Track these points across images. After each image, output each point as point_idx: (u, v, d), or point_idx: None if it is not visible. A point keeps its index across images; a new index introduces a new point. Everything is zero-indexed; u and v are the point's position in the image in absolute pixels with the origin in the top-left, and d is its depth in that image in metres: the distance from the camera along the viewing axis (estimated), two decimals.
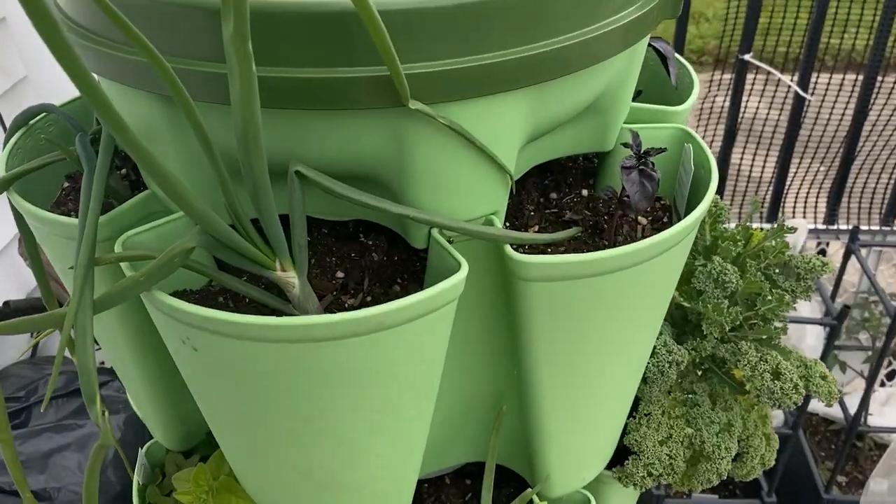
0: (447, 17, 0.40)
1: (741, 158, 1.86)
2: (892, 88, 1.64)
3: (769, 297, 0.66)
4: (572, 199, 0.62)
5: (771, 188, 1.73)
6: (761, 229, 0.70)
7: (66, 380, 1.31)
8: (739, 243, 0.64)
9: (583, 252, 0.56)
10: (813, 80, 1.60)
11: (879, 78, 1.58)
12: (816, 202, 1.84)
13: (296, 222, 0.44)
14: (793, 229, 0.65)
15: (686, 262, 0.62)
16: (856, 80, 1.63)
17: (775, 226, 0.66)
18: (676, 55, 0.68)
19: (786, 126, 1.66)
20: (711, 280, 0.62)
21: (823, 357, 1.49)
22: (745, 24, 1.53)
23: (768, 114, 1.80)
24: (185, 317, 0.43)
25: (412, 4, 0.39)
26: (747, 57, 1.55)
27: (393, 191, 0.48)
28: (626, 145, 0.52)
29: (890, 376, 1.84)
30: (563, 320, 0.50)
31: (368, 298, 0.52)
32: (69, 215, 0.61)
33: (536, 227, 0.59)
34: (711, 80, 1.76)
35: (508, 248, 0.46)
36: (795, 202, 1.82)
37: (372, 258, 0.56)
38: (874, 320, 1.69)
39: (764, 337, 0.66)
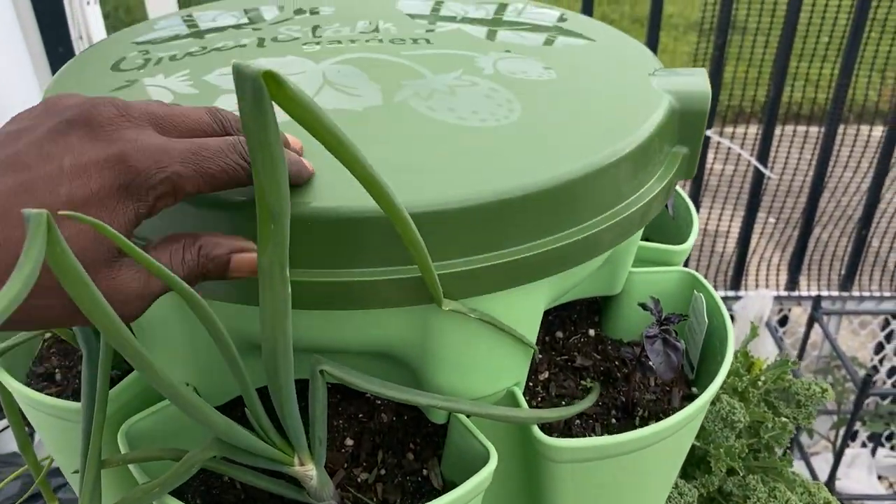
0: (473, 216, 0.39)
1: (708, 215, 1.88)
2: (849, 156, 1.69)
3: (772, 426, 0.66)
4: (580, 340, 0.61)
5: (734, 256, 1.76)
6: (748, 354, 0.70)
7: (22, 486, 1.24)
8: (745, 377, 0.64)
9: (598, 406, 0.55)
10: (777, 131, 1.63)
11: (837, 144, 1.63)
12: (780, 263, 1.87)
13: (317, 418, 0.41)
14: (796, 363, 0.65)
15: None
16: (819, 132, 1.66)
17: (778, 358, 0.66)
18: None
19: (749, 188, 1.69)
20: (720, 419, 0.61)
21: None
22: None
23: (735, 170, 1.83)
24: None
25: (437, 206, 0.38)
26: (709, 133, 1.58)
27: (412, 368, 0.46)
28: (643, 307, 0.51)
29: (853, 437, 1.87)
30: (589, 493, 0.48)
31: (382, 472, 0.50)
32: (54, 373, 0.57)
33: (546, 373, 0.58)
34: None
35: (537, 431, 0.45)
36: (759, 264, 1.85)
37: (381, 419, 0.54)
38: (838, 385, 1.72)
39: (780, 464, 0.66)
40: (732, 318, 1.69)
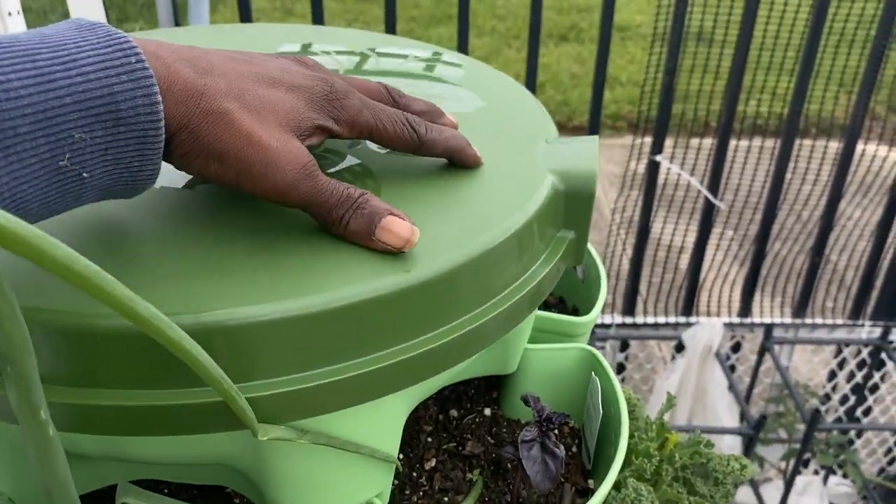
0: (297, 329, 0.33)
1: (662, 227, 1.82)
2: (806, 170, 1.65)
3: None
4: (474, 420, 0.56)
5: (685, 282, 1.73)
6: (664, 425, 0.66)
7: None
8: (655, 459, 0.59)
9: (484, 502, 0.50)
10: (732, 144, 1.59)
11: (794, 159, 1.59)
12: (735, 280, 1.83)
13: None
14: (710, 444, 0.61)
15: None
16: (774, 145, 1.61)
17: (691, 437, 0.62)
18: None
19: (701, 212, 1.65)
20: None
21: None
22: (657, 123, 1.53)
23: (689, 184, 1.77)
24: None
25: (247, 318, 0.32)
26: (658, 158, 1.54)
27: (252, 482, 0.41)
28: (525, 401, 0.46)
29: (805, 464, 1.84)
30: None
31: None
32: None
33: (433, 461, 0.53)
34: (632, 146, 1.72)
35: None
36: (714, 281, 1.81)
37: None
38: (790, 415, 1.69)
39: None
40: (682, 346, 1.65)
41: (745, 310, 1.75)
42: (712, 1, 1.47)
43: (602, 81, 1.51)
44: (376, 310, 0.35)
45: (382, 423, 0.39)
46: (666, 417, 0.66)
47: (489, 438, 0.55)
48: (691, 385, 1.59)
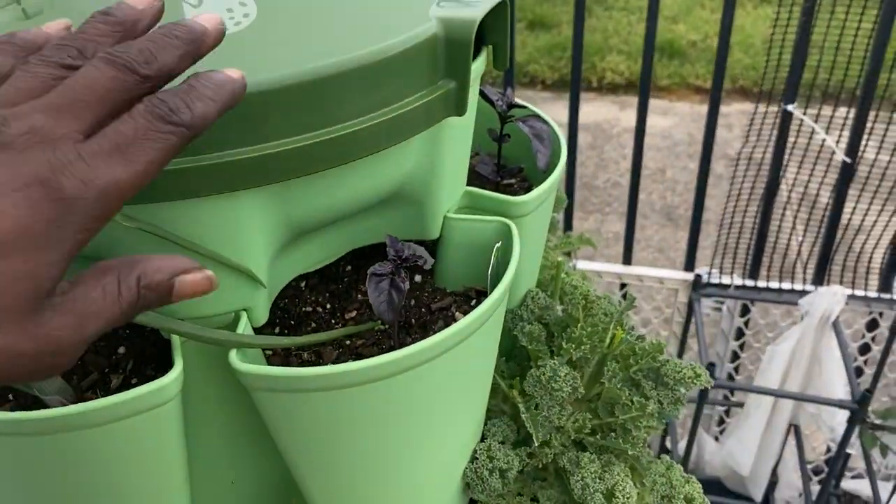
0: None
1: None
2: None
3: (629, 405, 0.60)
4: None
5: (815, 248, 1.60)
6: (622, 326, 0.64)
7: None
8: (584, 347, 0.58)
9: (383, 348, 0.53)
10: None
11: None
12: (868, 261, 1.65)
13: None
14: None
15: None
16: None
17: (651, 343, 0.60)
18: (556, 129, 0.63)
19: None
20: (540, 386, 0.57)
21: (844, 440, 1.35)
22: (789, 73, 1.42)
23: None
24: None
25: None
26: (790, 107, 1.43)
27: None
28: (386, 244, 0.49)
29: None
30: (309, 430, 0.47)
31: (134, 381, 0.51)
32: None
33: (354, 313, 0.57)
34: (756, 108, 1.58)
35: (231, 354, 0.44)
36: (846, 259, 1.64)
37: None
38: None
39: (623, 447, 0.60)
40: None
41: (886, 285, 1.59)
42: None
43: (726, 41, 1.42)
44: None
45: (234, 231, 0.43)
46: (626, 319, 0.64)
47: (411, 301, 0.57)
48: (806, 354, 1.48)
